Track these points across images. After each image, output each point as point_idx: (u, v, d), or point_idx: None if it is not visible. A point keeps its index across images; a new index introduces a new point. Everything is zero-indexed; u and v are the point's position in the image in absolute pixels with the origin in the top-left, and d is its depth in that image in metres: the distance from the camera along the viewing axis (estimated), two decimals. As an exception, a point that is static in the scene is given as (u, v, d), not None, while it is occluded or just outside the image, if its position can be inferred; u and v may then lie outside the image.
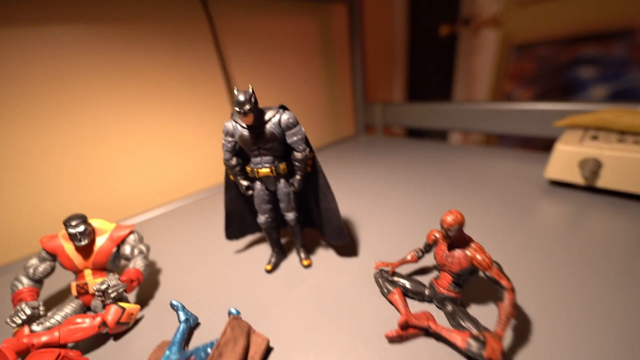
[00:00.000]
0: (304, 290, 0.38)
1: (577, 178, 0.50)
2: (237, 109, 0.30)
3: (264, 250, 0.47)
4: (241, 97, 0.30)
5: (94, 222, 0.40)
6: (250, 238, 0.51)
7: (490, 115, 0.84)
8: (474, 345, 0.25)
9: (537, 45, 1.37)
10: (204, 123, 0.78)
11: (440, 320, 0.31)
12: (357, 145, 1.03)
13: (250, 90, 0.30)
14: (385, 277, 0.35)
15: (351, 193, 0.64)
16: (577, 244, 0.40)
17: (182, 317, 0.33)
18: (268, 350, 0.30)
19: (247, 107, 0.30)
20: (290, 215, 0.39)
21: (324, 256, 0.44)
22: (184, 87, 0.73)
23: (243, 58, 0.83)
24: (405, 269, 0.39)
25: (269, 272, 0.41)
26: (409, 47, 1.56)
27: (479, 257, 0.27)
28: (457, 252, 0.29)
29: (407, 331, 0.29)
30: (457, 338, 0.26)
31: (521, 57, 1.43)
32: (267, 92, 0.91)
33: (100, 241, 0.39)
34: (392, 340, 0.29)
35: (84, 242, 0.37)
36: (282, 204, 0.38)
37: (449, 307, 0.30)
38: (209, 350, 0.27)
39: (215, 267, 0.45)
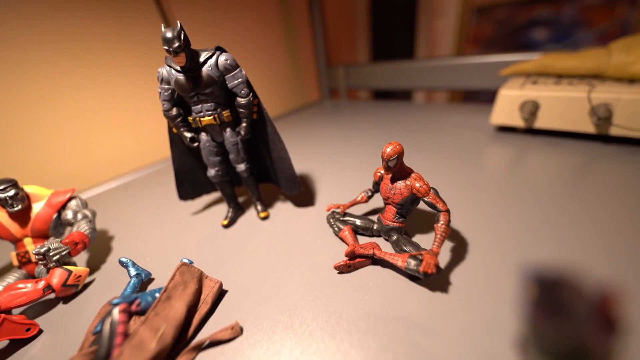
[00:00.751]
0: (261, 240, 0.38)
1: (518, 121, 0.53)
2: (165, 47, 0.28)
3: (222, 209, 0.46)
4: (168, 34, 0.28)
5: (28, 188, 0.37)
6: (207, 199, 0.50)
7: (452, 70, 0.86)
8: (412, 263, 0.27)
9: (496, 8, 1.40)
10: (157, 93, 0.73)
11: (387, 249, 0.32)
12: (321, 110, 1.02)
13: (179, 26, 0.28)
14: (336, 217, 0.36)
15: (313, 152, 0.64)
16: (518, 179, 0.44)
17: (133, 273, 0.33)
18: (223, 292, 0.31)
19: (177, 44, 0.28)
20: (241, 167, 0.38)
21: (282, 208, 0.44)
22: (138, 58, 0.67)
23: (195, 24, 0.77)
24: (359, 211, 0.40)
25: (225, 227, 0.41)
26: (371, 8, 1.52)
27: (417, 184, 0.29)
28: (399, 184, 0.30)
29: (355, 261, 0.30)
30: (398, 260, 0.28)
31: (481, 20, 1.45)
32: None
33: (37, 207, 0.37)
34: (341, 270, 0.30)
35: (17, 208, 0.34)
36: (231, 155, 0.37)
37: (394, 237, 0.32)
38: (157, 295, 0.27)
39: (171, 229, 0.44)
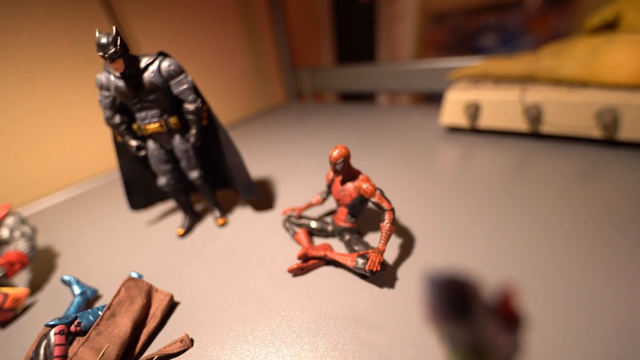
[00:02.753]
0: (217, 247, 0.37)
1: (464, 122, 0.57)
2: (100, 53, 0.27)
3: (179, 217, 0.45)
4: (103, 40, 0.26)
5: (-49, 206, 0.34)
6: (162, 208, 0.48)
7: (410, 74, 0.90)
8: (360, 262, 0.28)
9: (451, 15, 1.49)
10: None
11: (341, 250, 0.33)
12: (287, 113, 1.02)
13: (114, 32, 0.27)
14: (292, 221, 0.36)
15: (277, 155, 0.64)
16: (463, 177, 0.47)
17: (77, 291, 0.31)
18: (174, 305, 0.30)
19: (112, 50, 0.26)
20: (194, 174, 0.37)
21: (241, 213, 0.44)
22: (83, 61, 0.63)
23: (151, 31, 0.73)
24: (317, 213, 0.41)
25: (181, 236, 0.40)
26: (333, 12, 1.55)
27: (364, 185, 0.30)
28: (348, 185, 0.31)
29: (308, 263, 0.31)
30: (348, 259, 0.29)
31: (438, 27, 1.54)
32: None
33: (-37, 227, 0.34)
34: (295, 273, 0.31)
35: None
36: (182, 163, 0.36)
37: (347, 237, 0.33)
38: (100, 313, 0.26)
39: (122, 242, 0.42)
